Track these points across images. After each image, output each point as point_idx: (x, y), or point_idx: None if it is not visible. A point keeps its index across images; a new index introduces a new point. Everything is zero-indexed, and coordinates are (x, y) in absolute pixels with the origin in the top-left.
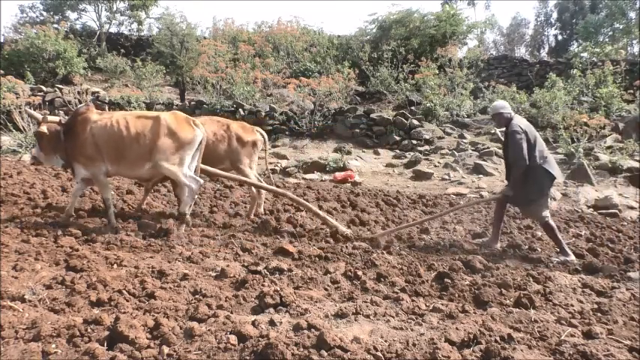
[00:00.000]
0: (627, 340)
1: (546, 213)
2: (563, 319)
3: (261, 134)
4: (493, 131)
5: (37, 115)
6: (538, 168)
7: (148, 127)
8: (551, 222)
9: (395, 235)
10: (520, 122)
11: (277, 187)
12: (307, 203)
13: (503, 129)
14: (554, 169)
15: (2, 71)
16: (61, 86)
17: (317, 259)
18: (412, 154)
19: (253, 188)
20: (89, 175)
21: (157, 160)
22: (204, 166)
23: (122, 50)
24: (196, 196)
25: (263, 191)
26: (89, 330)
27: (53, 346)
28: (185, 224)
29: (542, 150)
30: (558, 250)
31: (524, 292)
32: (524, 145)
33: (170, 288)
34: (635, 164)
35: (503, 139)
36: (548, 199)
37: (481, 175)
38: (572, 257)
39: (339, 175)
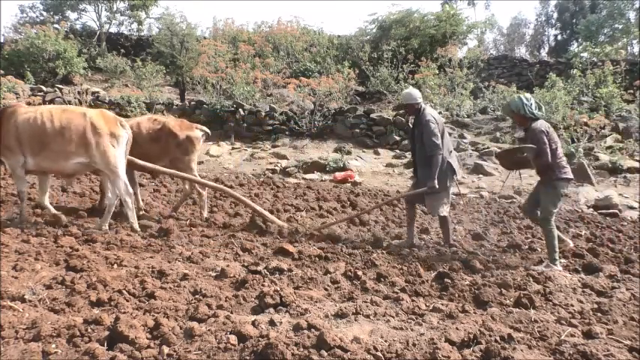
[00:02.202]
0: (627, 340)
1: (444, 208)
2: (563, 319)
3: (203, 131)
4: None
5: None
6: (443, 161)
7: (73, 122)
8: (448, 217)
9: (394, 235)
10: (432, 112)
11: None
12: (244, 198)
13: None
14: (455, 164)
15: (2, 71)
16: (61, 86)
17: (317, 259)
18: None
19: (187, 185)
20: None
21: (92, 157)
22: (143, 162)
23: (122, 50)
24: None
25: (204, 192)
26: (89, 330)
27: (53, 346)
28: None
29: (448, 144)
30: (444, 241)
31: (524, 292)
32: (439, 134)
33: (170, 288)
34: (635, 164)
35: (411, 127)
36: (449, 195)
37: (481, 175)
38: (455, 248)
39: (339, 175)
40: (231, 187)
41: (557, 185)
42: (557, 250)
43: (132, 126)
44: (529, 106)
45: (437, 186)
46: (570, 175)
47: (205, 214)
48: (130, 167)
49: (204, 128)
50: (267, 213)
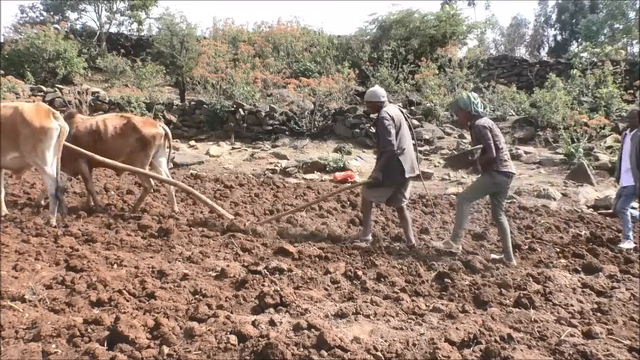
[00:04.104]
0: (627, 340)
1: (374, 196)
2: (563, 319)
3: (164, 128)
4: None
5: None
6: (393, 158)
7: (7, 117)
8: (371, 205)
9: (394, 236)
10: (389, 110)
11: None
12: (197, 193)
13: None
14: (406, 164)
15: (2, 71)
16: (61, 86)
17: (317, 259)
18: None
19: (166, 184)
20: None
21: (23, 151)
22: (102, 158)
23: (122, 50)
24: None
25: (172, 188)
26: (89, 330)
27: (53, 346)
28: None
29: (403, 142)
30: (363, 232)
31: (524, 292)
32: (392, 131)
33: (170, 288)
34: None
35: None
36: (391, 192)
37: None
38: (368, 242)
39: (339, 175)
40: (231, 187)
41: (495, 176)
42: (462, 228)
43: (98, 122)
44: (475, 104)
45: (380, 178)
46: (511, 170)
47: (139, 208)
48: (91, 164)
49: (166, 127)
50: (219, 207)
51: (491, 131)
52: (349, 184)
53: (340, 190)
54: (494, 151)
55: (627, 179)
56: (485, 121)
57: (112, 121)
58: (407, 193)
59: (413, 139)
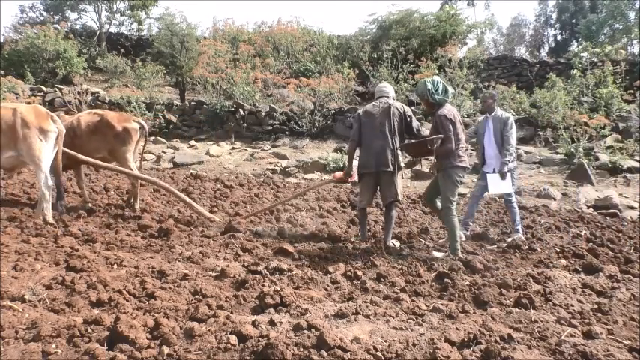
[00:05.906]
0: (627, 340)
1: (358, 199)
2: (563, 319)
3: (140, 124)
4: None
5: None
6: (362, 151)
7: (4, 118)
8: (362, 210)
9: (394, 235)
10: (365, 107)
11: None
12: (177, 191)
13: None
14: (362, 158)
15: (2, 71)
16: (61, 86)
17: (317, 259)
18: None
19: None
20: None
21: (20, 150)
22: (85, 157)
23: (122, 50)
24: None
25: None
26: (89, 330)
27: (53, 346)
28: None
29: (364, 137)
30: (359, 235)
31: (524, 292)
32: (355, 126)
33: (170, 288)
34: (635, 164)
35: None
36: (365, 188)
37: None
38: (365, 244)
39: (338, 174)
40: (231, 187)
41: (452, 173)
42: (458, 240)
43: (73, 121)
44: (433, 91)
45: (349, 172)
46: (465, 164)
47: (137, 206)
48: (74, 162)
49: (142, 122)
50: (199, 207)
51: (453, 123)
52: (327, 180)
53: (309, 188)
54: (454, 142)
55: (497, 164)
56: (448, 111)
57: (85, 118)
58: (388, 191)
59: (390, 134)
